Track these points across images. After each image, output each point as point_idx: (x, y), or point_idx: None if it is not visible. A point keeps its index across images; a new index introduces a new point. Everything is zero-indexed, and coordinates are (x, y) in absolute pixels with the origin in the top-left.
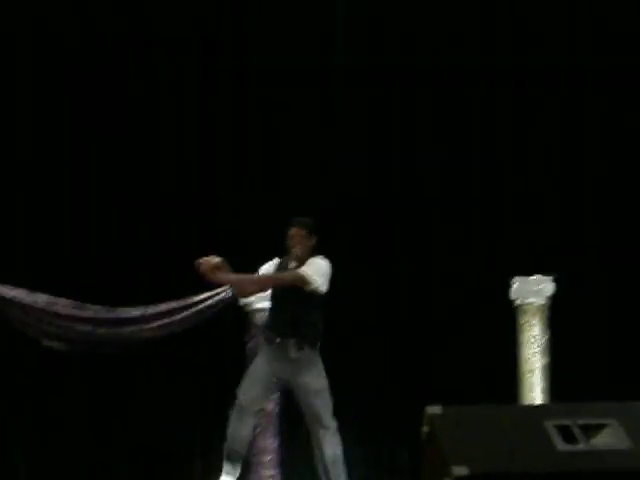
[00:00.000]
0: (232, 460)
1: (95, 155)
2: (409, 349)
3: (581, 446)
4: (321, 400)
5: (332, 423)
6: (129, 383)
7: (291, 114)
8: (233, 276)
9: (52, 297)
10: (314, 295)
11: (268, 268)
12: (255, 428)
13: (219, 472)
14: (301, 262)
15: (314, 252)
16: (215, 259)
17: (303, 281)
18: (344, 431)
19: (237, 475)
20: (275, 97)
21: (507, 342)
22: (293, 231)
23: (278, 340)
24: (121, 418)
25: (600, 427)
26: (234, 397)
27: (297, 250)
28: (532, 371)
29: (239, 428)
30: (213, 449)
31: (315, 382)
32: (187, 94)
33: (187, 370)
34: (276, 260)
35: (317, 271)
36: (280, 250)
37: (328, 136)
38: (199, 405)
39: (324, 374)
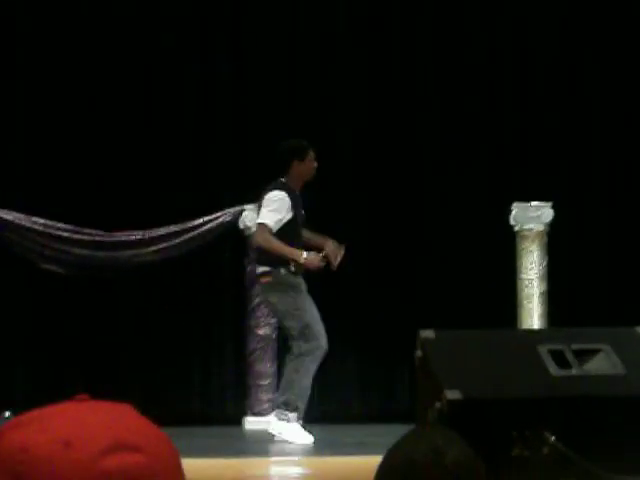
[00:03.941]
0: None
1: (95, 84)
2: (409, 274)
3: (574, 371)
4: (287, 322)
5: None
6: (126, 308)
7: None
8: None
9: (50, 221)
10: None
11: (285, 199)
12: (253, 352)
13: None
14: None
15: None
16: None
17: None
18: (343, 357)
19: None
20: None
21: (507, 268)
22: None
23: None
24: (118, 343)
25: (594, 352)
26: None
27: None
28: (530, 297)
29: (309, 376)
30: (212, 374)
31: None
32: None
33: (186, 294)
34: (284, 194)
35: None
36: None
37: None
38: (198, 329)
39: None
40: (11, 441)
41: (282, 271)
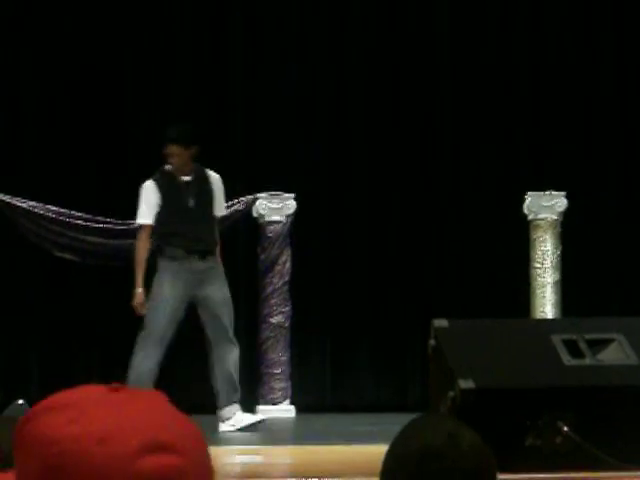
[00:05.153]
0: None
1: (105, 73)
2: (422, 263)
3: (587, 361)
4: (227, 311)
5: (233, 337)
6: None
7: None
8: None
9: (64, 209)
10: (210, 209)
11: (152, 193)
12: (265, 341)
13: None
14: (185, 173)
15: (193, 160)
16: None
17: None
18: (356, 346)
19: None
20: None
21: (520, 257)
22: (171, 149)
23: (183, 254)
24: (128, 332)
25: (607, 342)
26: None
27: (175, 165)
28: (543, 286)
29: (144, 361)
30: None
31: (219, 293)
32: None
33: None
34: (152, 184)
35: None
36: None
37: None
38: None
39: (227, 285)
40: (43, 429)
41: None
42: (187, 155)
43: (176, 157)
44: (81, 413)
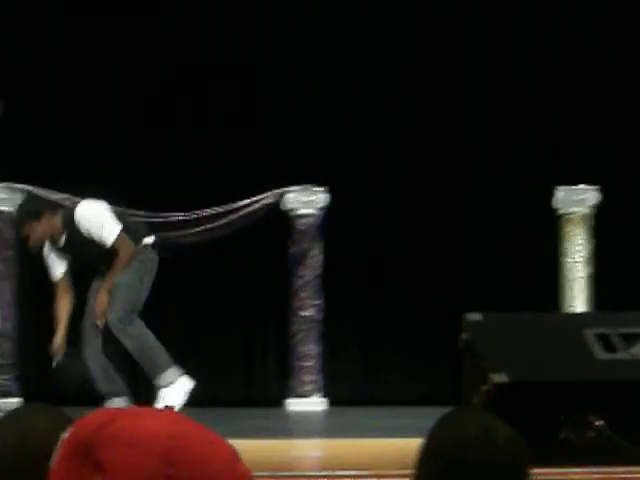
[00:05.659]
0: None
1: (141, 66)
2: (453, 257)
3: (620, 355)
4: (116, 294)
5: (125, 318)
6: (169, 289)
7: None
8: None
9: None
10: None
11: (56, 264)
12: (296, 334)
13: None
14: (56, 235)
15: (52, 219)
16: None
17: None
18: (388, 341)
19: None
20: None
21: (553, 251)
22: (29, 228)
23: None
24: (161, 324)
25: None
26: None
27: (35, 241)
28: (575, 280)
29: (89, 355)
30: (255, 356)
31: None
32: None
33: (229, 275)
34: (46, 249)
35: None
36: None
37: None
38: (241, 311)
39: (133, 271)
40: (149, 427)
41: None
42: (44, 224)
43: (34, 232)
44: (172, 418)
